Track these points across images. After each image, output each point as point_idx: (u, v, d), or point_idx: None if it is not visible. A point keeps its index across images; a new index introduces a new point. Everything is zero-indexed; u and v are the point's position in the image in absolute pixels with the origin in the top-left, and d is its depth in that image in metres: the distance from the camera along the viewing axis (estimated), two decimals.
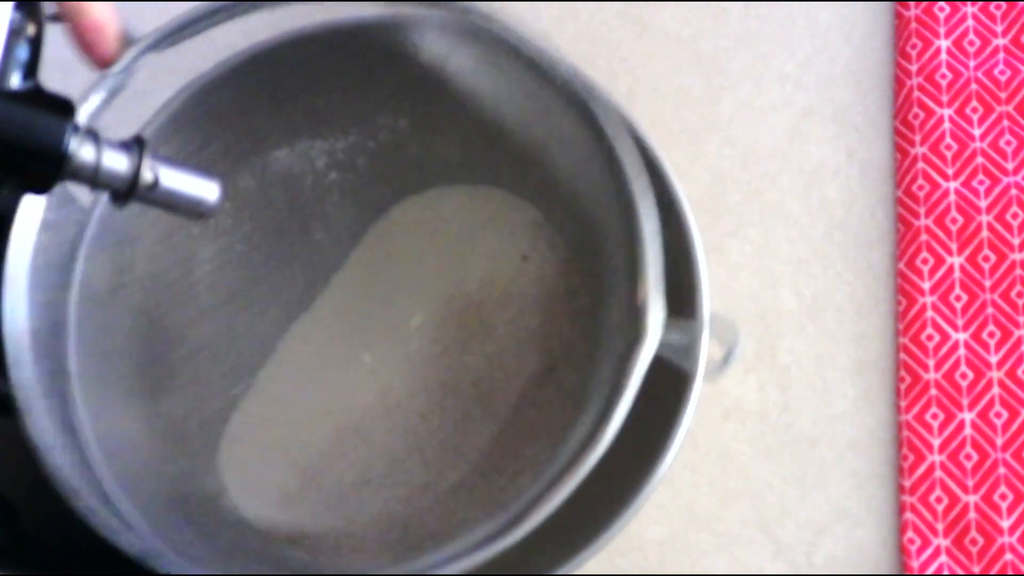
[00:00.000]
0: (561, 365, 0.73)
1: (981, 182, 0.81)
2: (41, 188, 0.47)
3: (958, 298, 0.78)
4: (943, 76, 0.84)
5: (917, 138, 0.82)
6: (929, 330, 0.77)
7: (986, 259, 0.79)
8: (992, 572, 0.72)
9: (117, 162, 0.47)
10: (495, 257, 0.75)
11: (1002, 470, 0.74)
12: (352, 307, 0.75)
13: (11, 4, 0.47)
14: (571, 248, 0.74)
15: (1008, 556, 0.72)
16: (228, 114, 0.69)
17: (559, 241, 0.75)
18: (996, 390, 0.76)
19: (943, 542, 0.73)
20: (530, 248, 0.75)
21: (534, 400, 0.72)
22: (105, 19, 0.54)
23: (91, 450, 0.58)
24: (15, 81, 0.47)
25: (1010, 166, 0.81)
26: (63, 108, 0.46)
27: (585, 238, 0.73)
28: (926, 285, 0.78)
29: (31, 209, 0.58)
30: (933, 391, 0.76)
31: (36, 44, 0.49)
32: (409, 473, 0.72)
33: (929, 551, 0.73)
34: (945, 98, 0.83)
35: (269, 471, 0.71)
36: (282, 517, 0.70)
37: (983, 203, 0.80)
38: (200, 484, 0.68)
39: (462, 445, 0.72)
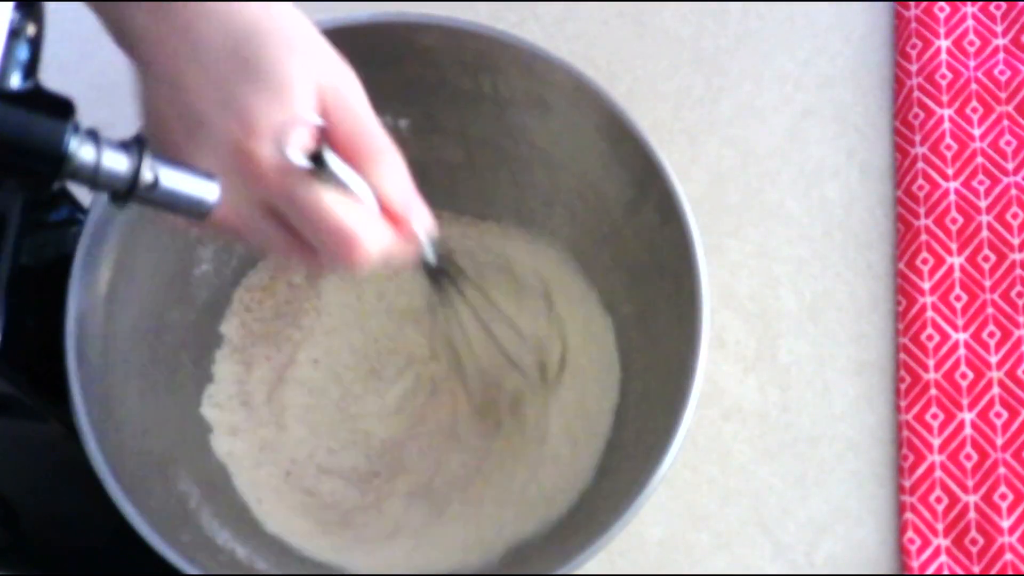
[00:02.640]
0: (558, 366, 0.73)
1: (981, 182, 0.81)
2: (41, 188, 0.47)
3: (958, 298, 0.78)
4: (943, 76, 0.84)
5: (917, 138, 0.82)
6: (929, 330, 0.77)
7: (986, 259, 0.79)
8: (992, 572, 0.72)
9: (117, 162, 0.47)
10: (494, 259, 0.75)
11: (1002, 470, 0.74)
12: (352, 307, 0.75)
13: (11, 4, 0.47)
14: (572, 249, 0.74)
15: (1008, 556, 0.72)
16: None
17: (559, 243, 0.75)
18: (996, 390, 0.76)
19: (943, 542, 0.73)
20: (529, 250, 0.75)
21: (531, 401, 0.73)
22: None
23: (91, 448, 0.58)
24: (15, 81, 0.47)
25: (1010, 166, 0.81)
26: (63, 108, 0.46)
27: (587, 237, 0.73)
28: (926, 285, 0.78)
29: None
30: (933, 391, 0.76)
31: (36, 44, 0.49)
32: (410, 473, 0.72)
33: (929, 551, 0.73)
34: (945, 98, 0.83)
35: (269, 470, 0.71)
36: (281, 517, 0.70)
37: (983, 203, 0.80)
38: (199, 483, 0.68)
39: (462, 445, 0.72)
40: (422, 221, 0.55)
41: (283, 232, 0.51)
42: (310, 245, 0.51)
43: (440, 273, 0.65)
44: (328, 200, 0.50)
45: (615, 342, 0.72)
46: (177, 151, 0.50)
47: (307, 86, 0.50)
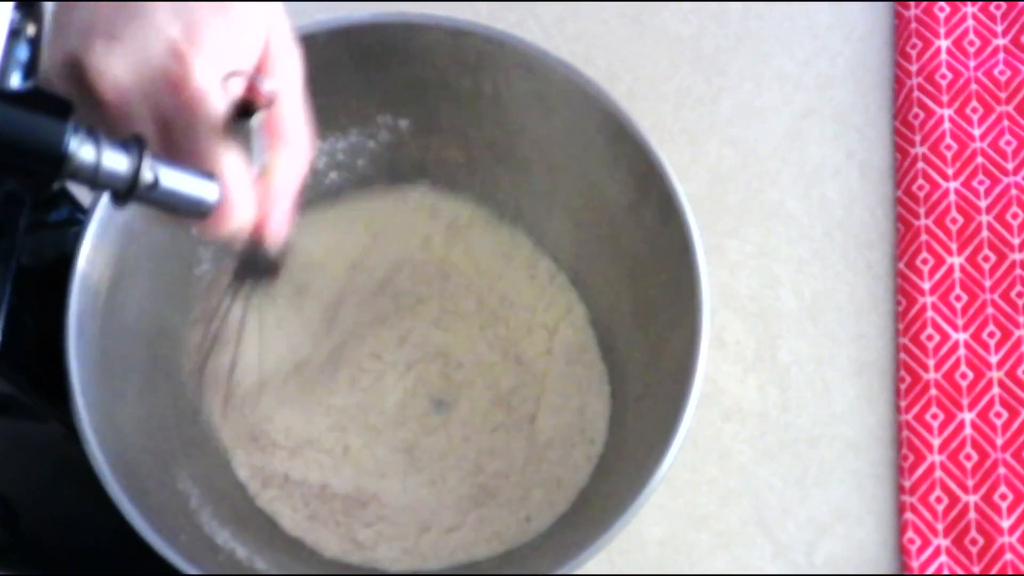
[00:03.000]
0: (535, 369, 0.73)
1: (981, 182, 0.81)
2: (41, 188, 0.47)
3: (958, 298, 0.78)
4: (943, 76, 0.84)
5: (917, 138, 0.82)
6: (929, 330, 0.77)
7: (986, 259, 0.79)
8: (992, 572, 0.72)
9: (117, 162, 0.47)
10: (492, 264, 0.76)
11: (1002, 470, 0.74)
12: (350, 307, 0.75)
13: (11, 4, 0.47)
14: (571, 252, 0.74)
15: (1008, 556, 0.72)
16: None
17: (560, 243, 0.75)
18: (996, 390, 0.76)
19: (943, 542, 0.73)
20: (533, 258, 0.75)
21: (524, 400, 0.73)
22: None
23: (91, 448, 0.58)
24: (15, 81, 0.47)
25: (1010, 166, 0.81)
26: (63, 108, 0.46)
27: (587, 237, 0.73)
28: (926, 285, 0.78)
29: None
30: (933, 391, 0.76)
31: (36, 44, 0.49)
32: (410, 469, 0.72)
33: (929, 551, 0.73)
34: (945, 98, 0.83)
35: (272, 468, 0.71)
36: (285, 513, 0.70)
37: (983, 203, 0.80)
38: (199, 483, 0.68)
39: (461, 445, 0.72)
40: (280, 227, 0.53)
41: (156, 140, 0.49)
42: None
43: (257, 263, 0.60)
44: (222, 151, 0.48)
45: (597, 338, 0.73)
46: (98, 31, 0.48)
47: (258, 36, 0.49)
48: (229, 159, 0.49)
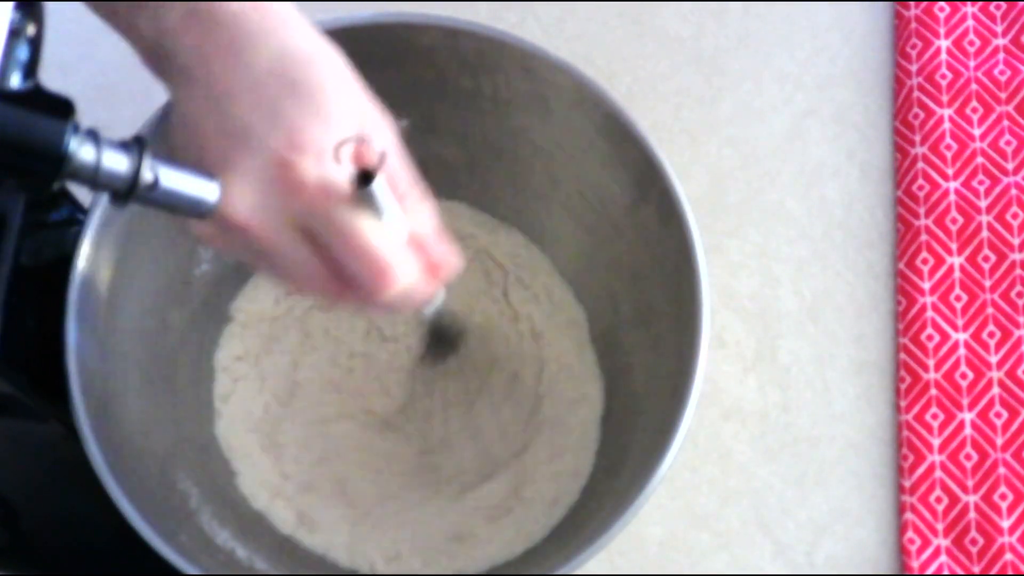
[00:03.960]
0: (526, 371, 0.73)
1: (981, 182, 0.81)
2: (41, 188, 0.47)
3: (958, 298, 0.78)
4: (943, 76, 0.84)
5: (917, 138, 0.82)
6: (929, 330, 0.77)
7: (986, 259, 0.79)
8: (992, 572, 0.72)
9: (117, 162, 0.47)
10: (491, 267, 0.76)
11: (1002, 470, 0.74)
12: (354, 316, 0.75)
13: (11, 4, 0.47)
14: (571, 252, 0.74)
15: (1008, 556, 0.72)
16: None
17: (560, 243, 0.75)
18: (996, 390, 0.76)
19: (943, 542, 0.73)
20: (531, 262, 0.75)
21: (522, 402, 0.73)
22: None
23: (91, 448, 0.58)
24: (15, 81, 0.47)
25: (1010, 166, 0.81)
26: (63, 108, 0.46)
27: (587, 237, 0.73)
28: (926, 285, 0.78)
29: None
30: (933, 391, 0.76)
31: (36, 44, 0.49)
32: (412, 469, 0.72)
33: (929, 551, 0.73)
34: (945, 98, 0.83)
35: (274, 464, 0.71)
36: (289, 508, 0.70)
37: (983, 203, 0.80)
38: (199, 483, 0.68)
39: (460, 446, 0.72)
40: (451, 264, 0.55)
41: (312, 254, 0.51)
42: (336, 273, 0.52)
43: (442, 335, 0.67)
44: (366, 225, 0.50)
45: (591, 342, 0.73)
46: (213, 161, 0.50)
47: (350, 114, 0.51)
48: (373, 231, 0.51)
